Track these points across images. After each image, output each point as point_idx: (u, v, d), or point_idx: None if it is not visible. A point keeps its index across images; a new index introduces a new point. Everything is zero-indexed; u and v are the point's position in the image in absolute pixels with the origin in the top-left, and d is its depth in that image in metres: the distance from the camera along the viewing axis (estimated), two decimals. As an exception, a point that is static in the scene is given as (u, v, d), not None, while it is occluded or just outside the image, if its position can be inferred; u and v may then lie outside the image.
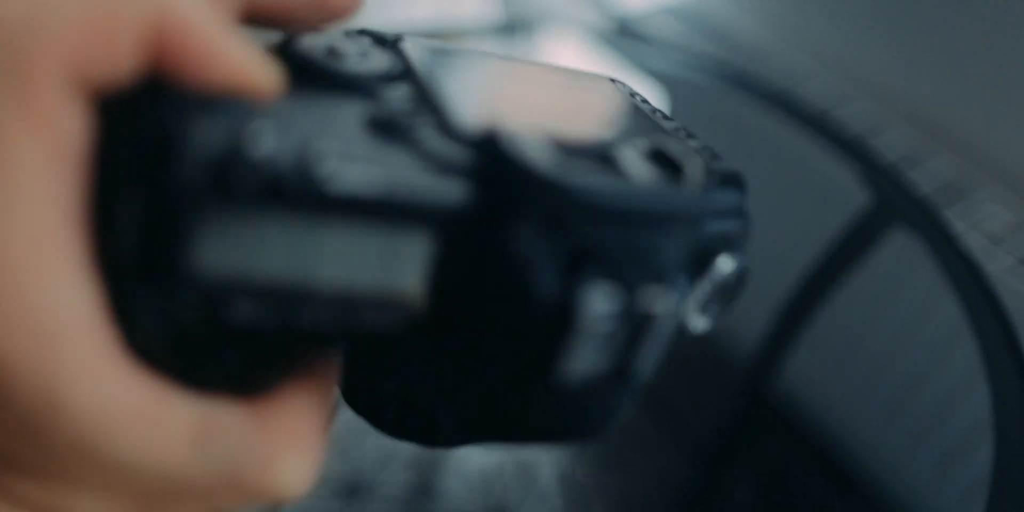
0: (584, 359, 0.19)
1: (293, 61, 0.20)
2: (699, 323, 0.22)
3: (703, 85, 0.97)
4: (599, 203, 0.18)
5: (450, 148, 0.19)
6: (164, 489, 0.18)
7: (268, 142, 0.16)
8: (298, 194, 0.16)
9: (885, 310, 0.91)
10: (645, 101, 0.26)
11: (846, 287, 0.76)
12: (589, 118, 0.24)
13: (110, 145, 0.16)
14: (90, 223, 0.16)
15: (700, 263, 0.21)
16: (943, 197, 0.79)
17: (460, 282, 0.19)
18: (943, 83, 0.83)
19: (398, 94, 0.21)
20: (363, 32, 0.24)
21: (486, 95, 0.23)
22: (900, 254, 0.82)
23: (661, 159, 0.20)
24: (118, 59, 0.16)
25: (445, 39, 0.70)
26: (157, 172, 0.16)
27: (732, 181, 0.21)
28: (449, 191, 0.18)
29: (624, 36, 0.98)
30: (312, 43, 0.21)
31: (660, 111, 0.26)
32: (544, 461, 1.12)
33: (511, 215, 0.18)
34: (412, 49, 0.23)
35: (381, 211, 0.17)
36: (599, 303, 0.18)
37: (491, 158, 0.19)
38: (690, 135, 0.24)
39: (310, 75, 0.20)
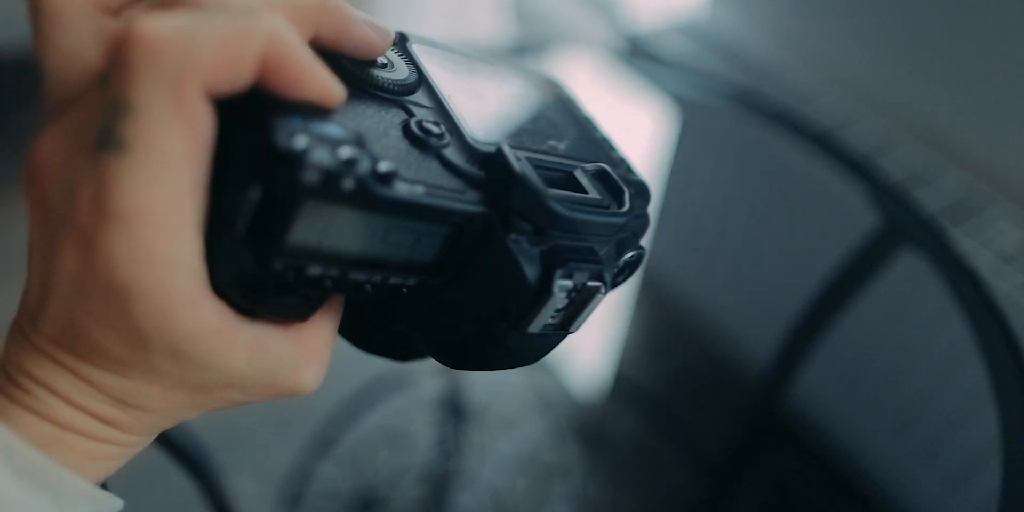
0: (546, 317, 0.27)
1: (334, 68, 0.24)
2: (612, 290, 0.32)
3: (714, 104, 0.98)
4: (576, 224, 0.26)
5: (468, 165, 0.26)
6: (218, 383, 0.25)
7: (359, 155, 0.22)
8: (370, 197, 0.22)
9: (894, 329, 0.91)
10: (580, 109, 0.36)
11: (855, 306, 0.76)
12: (552, 132, 0.32)
13: (225, 139, 0.22)
14: (205, 195, 0.22)
15: (619, 251, 0.30)
16: (953, 215, 0.79)
17: (464, 258, 0.27)
18: (953, 100, 0.83)
19: (422, 107, 0.28)
20: None
21: (483, 111, 0.30)
22: (909, 274, 0.83)
23: (605, 180, 0.29)
24: (241, 75, 0.21)
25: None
26: (279, 171, 0.21)
27: (643, 192, 0.31)
28: (468, 200, 0.25)
29: (636, 55, 0.99)
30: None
31: (592, 120, 0.35)
32: (556, 477, 1.13)
33: (512, 223, 0.26)
34: (416, 51, 0.30)
35: (421, 213, 0.24)
36: (564, 286, 0.26)
37: (497, 176, 0.26)
38: (612, 147, 0.33)
39: (353, 81, 0.26)
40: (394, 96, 0.27)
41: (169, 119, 0.20)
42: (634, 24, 1.05)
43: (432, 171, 0.25)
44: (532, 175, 0.26)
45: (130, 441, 0.26)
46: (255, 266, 0.23)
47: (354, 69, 0.26)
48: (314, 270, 0.24)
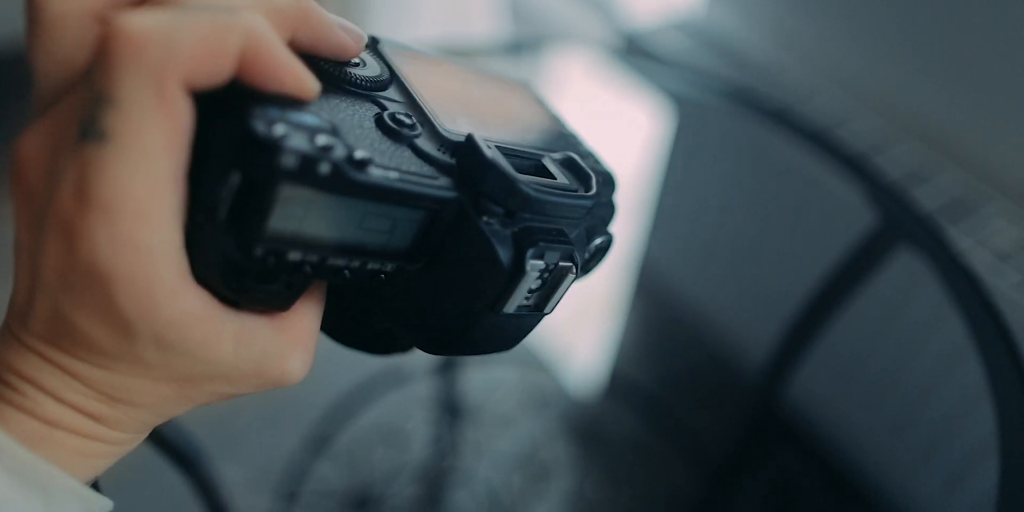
0: (520, 298, 0.28)
1: (310, 66, 0.25)
2: (584, 274, 0.34)
3: (711, 102, 0.98)
4: (546, 206, 0.28)
5: (439, 153, 0.27)
6: (204, 375, 0.25)
7: (335, 143, 0.23)
8: (345, 181, 0.23)
9: (891, 327, 0.91)
10: (549, 107, 0.37)
11: (852, 304, 0.77)
12: (521, 126, 0.33)
13: (203, 129, 0.22)
14: (184, 186, 0.22)
15: (589, 237, 0.32)
16: (950, 213, 0.79)
17: (439, 244, 0.28)
18: (950, 99, 0.83)
19: (394, 101, 0.29)
20: None
21: (453, 105, 0.31)
22: (906, 272, 0.83)
23: (572, 167, 0.30)
24: (221, 69, 0.22)
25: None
26: (258, 156, 0.22)
27: (609, 181, 0.33)
28: (440, 185, 0.26)
29: (632, 53, 0.99)
30: None
31: (560, 118, 0.36)
32: (553, 476, 1.13)
33: (484, 206, 0.27)
34: (388, 52, 0.31)
35: (395, 197, 0.25)
36: (536, 267, 0.27)
37: (468, 162, 0.27)
38: (579, 142, 0.35)
39: (327, 78, 0.27)
40: (367, 92, 0.28)
41: (150, 111, 0.21)
42: (630, 22, 1.05)
43: (405, 159, 0.26)
44: (502, 160, 0.27)
45: (120, 439, 0.26)
46: (237, 252, 0.23)
47: (328, 67, 0.27)
48: (294, 255, 0.24)
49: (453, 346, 0.30)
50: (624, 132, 1.42)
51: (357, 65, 0.29)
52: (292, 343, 0.27)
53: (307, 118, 0.23)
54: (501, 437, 1.12)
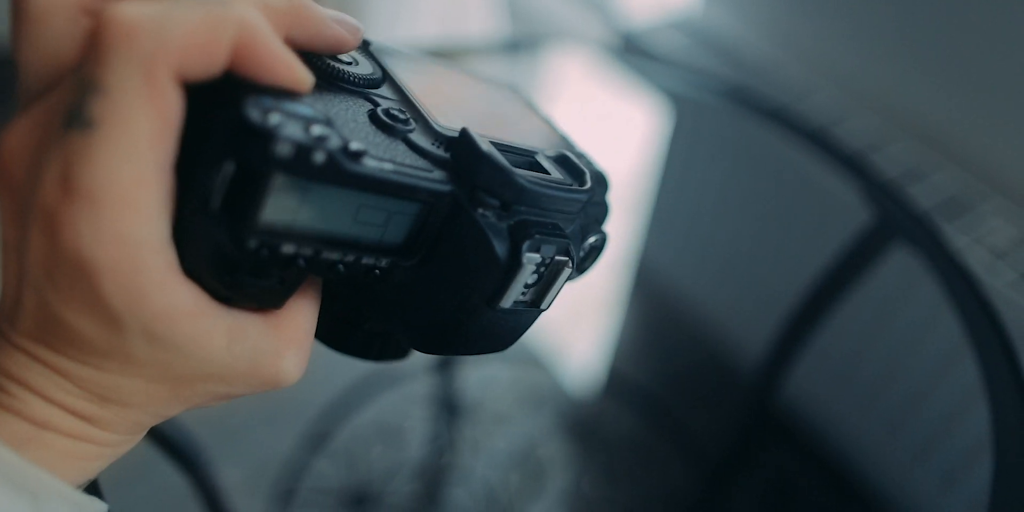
0: (516, 293, 0.28)
1: (306, 63, 0.25)
2: (579, 274, 0.34)
3: (708, 101, 0.98)
4: (541, 198, 0.27)
5: (433, 148, 0.27)
6: (197, 374, 0.24)
7: (330, 133, 0.23)
8: (340, 171, 0.23)
9: (887, 326, 0.91)
10: (539, 110, 0.37)
11: (849, 302, 0.77)
12: (513, 126, 0.33)
13: (195, 120, 0.22)
14: (172, 178, 0.22)
15: (584, 235, 0.32)
16: (946, 211, 0.79)
17: (434, 239, 0.27)
18: (947, 97, 0.83)
19: (387, 99, 0.29)
20: None
21: (446, 104, 0.31)
22: (902, 270, 0.83)
23: (565, 163, 0.30)
24: (213, 61, 0.22)
25: (452, 57, 0.71)
26: (253, 144, 0.21)
27: (602, 180, 0.33)
28: (435, 179, 0.26)
29: (629, 52, 0.99)
30: None
31: (551, 121, 0.36)
32: (550, 474, 1.13)
33: (479, 199, 0.26)
34: (380, 54, 0.31)
35: (390, 189, 0.25)
36: (532, 261, 0.27)
37: (463, 155, 0.27)
38: (571, 143, 0.35)
39: (321, 74, 0.27)
40: (360, 89, 0.28)
41: (139, 100, 0.21)
42: (627, 21, 1.05)
43: (400, 152, 0.26)
44: (497, 153, 0.27)
45: (111, 440, 0.26)
46: (230, 244, 0.23)
47: (321, 64, 0.28)
48: (288, 248, 0.24)
49: (449, 344, 0.30)
50: (621, 131, 1.42)
51: (350, 63, 0.29)
52: (287, 342, 0.27)
53: (302, 109, 0.23)
54: (499, 435, 1.12)
